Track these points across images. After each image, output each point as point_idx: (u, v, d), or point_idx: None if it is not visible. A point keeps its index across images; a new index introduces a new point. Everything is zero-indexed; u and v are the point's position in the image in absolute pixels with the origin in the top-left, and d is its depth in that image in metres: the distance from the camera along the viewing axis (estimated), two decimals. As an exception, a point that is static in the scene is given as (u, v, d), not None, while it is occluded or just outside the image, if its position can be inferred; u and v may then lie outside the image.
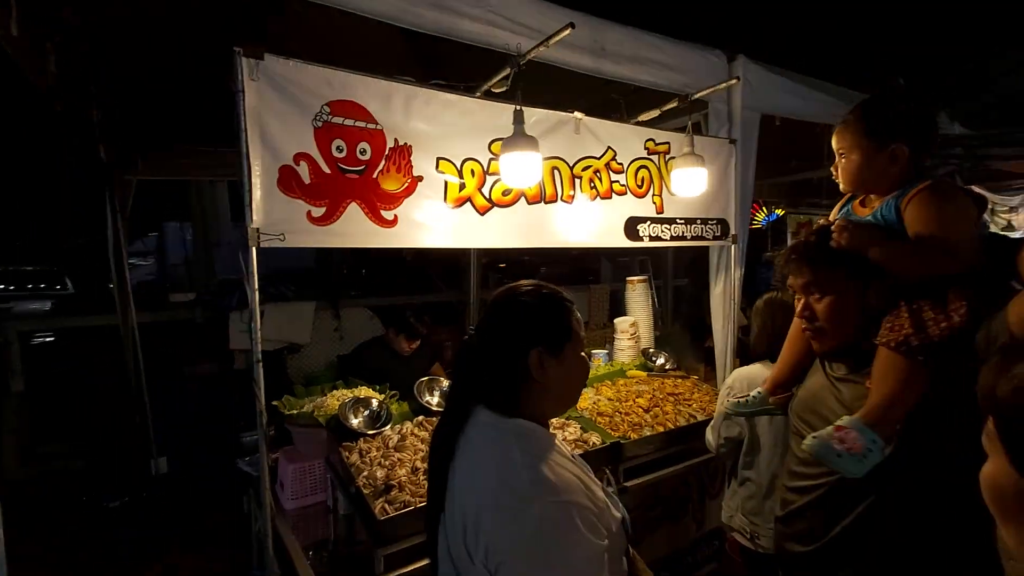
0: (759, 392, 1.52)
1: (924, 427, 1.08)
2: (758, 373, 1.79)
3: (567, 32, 1.69)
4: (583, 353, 1.07)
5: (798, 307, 1.26)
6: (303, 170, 1.54)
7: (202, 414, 4.32)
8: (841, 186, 1.30)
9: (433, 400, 2.10)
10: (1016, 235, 6.08)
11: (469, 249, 4.63)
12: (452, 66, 2.15)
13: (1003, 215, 5.64)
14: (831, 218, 1.38)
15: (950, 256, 1.06)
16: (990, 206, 5.53)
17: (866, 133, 1.19)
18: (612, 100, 2.94)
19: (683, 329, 4.73)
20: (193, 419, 4.32)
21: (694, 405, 2.37)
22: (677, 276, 7.67)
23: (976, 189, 5.42)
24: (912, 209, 1.13)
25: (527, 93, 2.28)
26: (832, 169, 1.31)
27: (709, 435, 1.95)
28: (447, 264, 7.48)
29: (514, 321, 1.01)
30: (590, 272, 7.99)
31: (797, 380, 1.42)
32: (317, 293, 5.59)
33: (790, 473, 1.33)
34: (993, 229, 5.69)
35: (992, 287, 1.06)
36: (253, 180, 1.46)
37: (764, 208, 8.09)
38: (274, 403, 2.04)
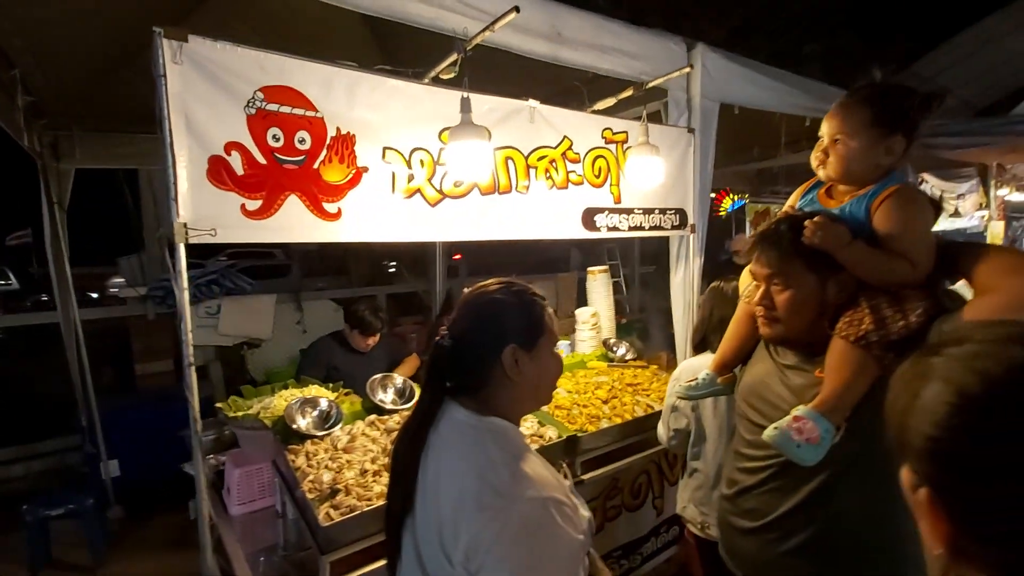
0: (707, 373, 1.52)
1: (870, 413, 1.10)
2: (704, 364, 1.81)
3: (512, 16, 1.63)
4: (557, 349, 1.07)
5: (757, 294, 1.24)
6: (235, 160, 1.45)
7: (156, 413, 4.15)
8: (824, 173, 1.24)
9: (387, 398, 2.05)
10: (959, 224, 6.35)
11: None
12: (411, 50, 2.05)
13: (951, 201, 5.87)
14: (793, 204, 1.36)
15: (917, 269, 1.09)
16: (940, 193, 5.74)
17: (874, 121, 1.14)
18: (573, 87, 2.90)
19: (649, 315, 4.79)
20: (147, 419, 4.14)
21: (652, 395, 2.39)
22: (644, 263, 7.77)
23: (930, 182, 5.64)
24: (883, 213, 1.13)
25: (483, 80, 2.21)
26: (818, 153, 1.23)
27: (660, 428, 1.96)
28: (414, 254, 7.38)
29: (487, 319, 1.01)
30: (560, 260, 8.00)
31: (742, 360, 1.45)
32: (279, 285, 5.43)
33: (737, 454, 1.35)
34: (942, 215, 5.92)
35: (933, 287, 1.10)
36: (179, 171, 1.36)
37: (731, 195, 8.26)
38: (218, 405, 1.95)
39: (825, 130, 1.21)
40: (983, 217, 6.04)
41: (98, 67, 2.75)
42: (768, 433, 1.12)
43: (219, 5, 2.38)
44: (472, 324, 1.01)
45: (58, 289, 3.56)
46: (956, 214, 5.97)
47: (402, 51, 2.70)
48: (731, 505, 1.35)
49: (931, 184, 5.77)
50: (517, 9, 1.59)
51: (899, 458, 0.50)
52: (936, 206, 1.19)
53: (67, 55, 2.60)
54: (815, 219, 1.13)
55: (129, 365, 4.68)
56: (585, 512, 1.01)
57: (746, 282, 1.47)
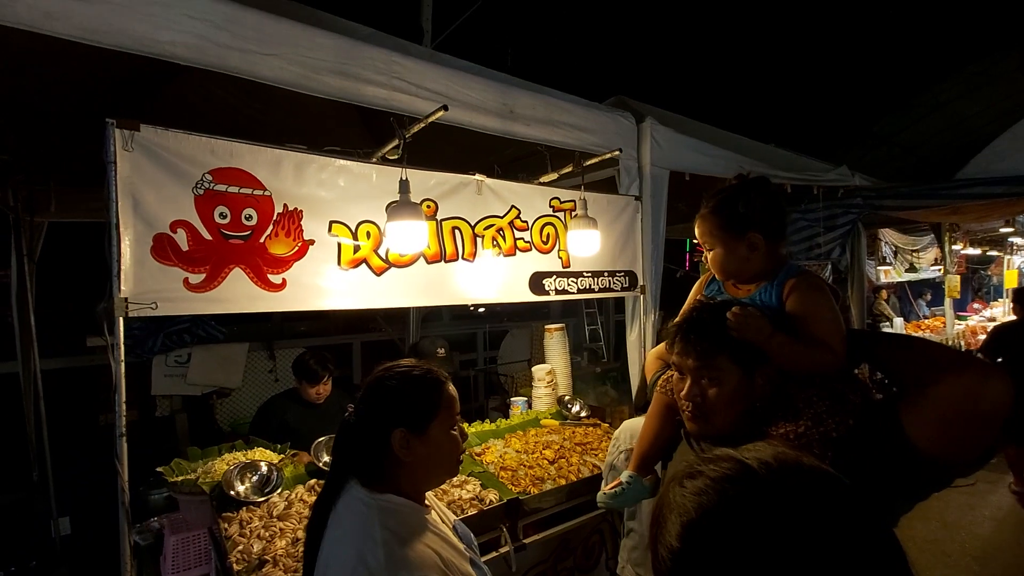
0: (631, 476, 1.43)
1: None
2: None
3: (441, 113, 1.77)
4: (454, 430, 1.11)
5: (684, 388, 1.15)
6: (180, 237, 1.54)
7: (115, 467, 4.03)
8: (715, 274, 1.34)
9: (332, 460, 2.06)
10: (918, 276, 6.55)
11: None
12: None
13: (908, 256, 6.12)
14: (698, 294, 1.41)
15: (837, 355, 1.10)
16: (895, 248, 5.99)
17: (722, 226, 1.24)
18: (535, 150, 3.08)
19: (626, 364, 4.84)
20: (105, 473, 4.03)
21: (600, 455, 2.42)
22: (620, 310, 7.87)
23: (888, 238, 5.86)
24: (796, 301, 1.17)
25: (444, 143, 2.33)
26: (703, 258, 1.35)
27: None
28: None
29: (378, 403, 1.07)
30: (540, 308, 8.09)
31: (664, 456, 1.40)
32: (252, 333, 5.41)
33: None
34: (898, 268, 6.17)
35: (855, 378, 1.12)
36: (123, 249, 1.44)
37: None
38: (159, 469, 1.95)
39: (697, 237, 1.33)
40: (939, 270, 6.29)
41: (72, 128, 2.86)
42: None
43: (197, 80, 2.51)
44: (367, 406, 1.08)
45: (20, 339, 3.56)
46: (912, 268, 6.21)
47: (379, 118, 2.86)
48: None
49: (889, 239, 6.04)
50: (445, 108, 1.75)
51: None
52: (834, 291, 1.24)
53: (39, 120, 2.71)
54: (736, 309, 1.11)
55: (92, 416, 4.60)
56: None
57: (653, 371, 1.45)
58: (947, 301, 6.14)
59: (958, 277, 6.17)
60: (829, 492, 0.52)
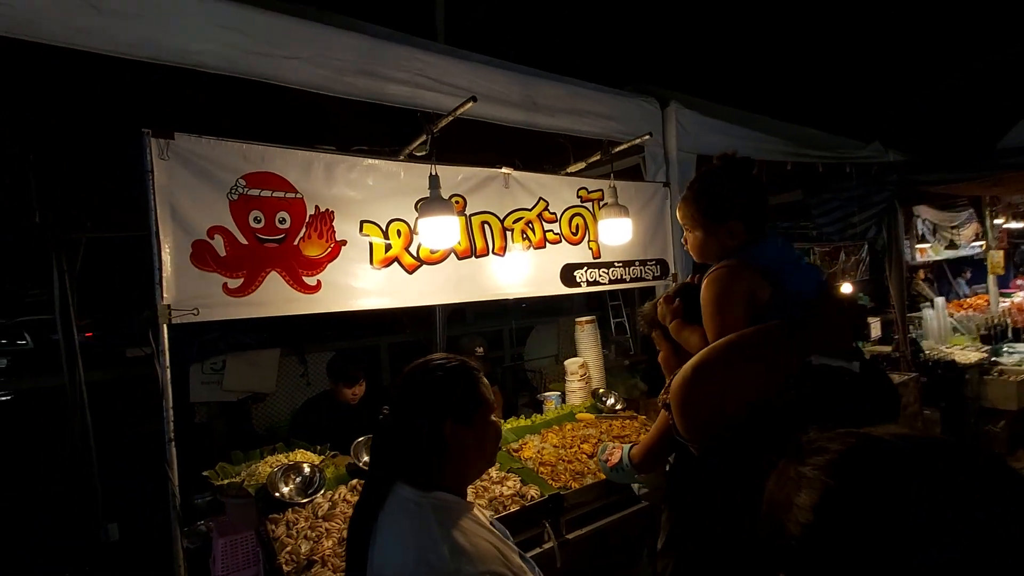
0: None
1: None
2: None
3: (469, 105, 1.75)
4: (494, 418, 1.11)
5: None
6: (218, 243, 1.55)
7: (160, 473, 4.15)
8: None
9: (372, 460, 2.07)
10: (957, 254, 6.31)
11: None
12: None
13: (947, 233, 5.88)
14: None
15: (708, 338, 1.21)
16: (933, 225, 5.76)
17: (704, 214, 1.28)
18: (558, 144, 3.04)
19: (653, 356, 4.77)
20: (150, 479, 4.15)
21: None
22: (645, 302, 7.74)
23: (925, 215, 5.64)
24: (701, 290, 1.28)
25: (469, 141, 2.31)
26: (683, 240, 1.41)
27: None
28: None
29: (425, 395, 1.05)
30: (563, 302, 8.02)
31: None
32: (282, 339, 5.50)
33: None
34: (936, 246, 5.93)
35: None
36: (163, 257, 1.46)
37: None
38: (204, 473, 1.98)
39: (679, 220, 1.37)
40: (981, 246, 6.03)
41: (102, 142, 2.92)
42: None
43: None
44: (411, 399, 1.06)
45: (65, 353, 3.68)
46: (952, 245, 5.96)
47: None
48: None
49: (925, 216, 5.81)
50: (474, 99, 1.72)
51: (769, 558, 0.54)
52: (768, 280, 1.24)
53: (69, 137, 2.78)
54: (659, 301, 1.40)
55: (134, 424, 4.73)
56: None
57: None
58: (990, 278, 5.87)
59: (1001, 252, 5.89)
60: (965, 458, 0.51)
